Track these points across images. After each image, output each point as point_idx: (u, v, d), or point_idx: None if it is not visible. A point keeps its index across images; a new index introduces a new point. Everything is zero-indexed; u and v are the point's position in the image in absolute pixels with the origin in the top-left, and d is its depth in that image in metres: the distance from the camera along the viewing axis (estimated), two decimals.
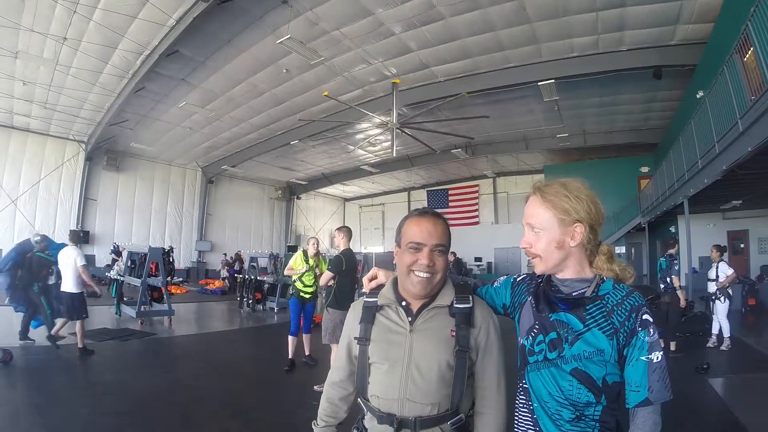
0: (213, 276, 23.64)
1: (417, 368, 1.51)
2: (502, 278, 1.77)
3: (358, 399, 1.66)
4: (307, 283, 6.91)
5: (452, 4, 11.37)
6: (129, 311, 10.61)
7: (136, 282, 10.78)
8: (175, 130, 19.45)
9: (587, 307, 1.43)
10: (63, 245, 7.58)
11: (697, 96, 11.70)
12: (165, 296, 10.78)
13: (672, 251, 8.24)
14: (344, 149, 23.40)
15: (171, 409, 4.96)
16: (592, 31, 12.42)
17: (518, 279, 1.70)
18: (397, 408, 1.51)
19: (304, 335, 6.89)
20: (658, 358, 1.36)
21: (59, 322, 7.37)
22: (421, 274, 1.52)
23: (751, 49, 7.25)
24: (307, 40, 12.28)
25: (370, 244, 35.42)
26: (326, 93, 13.91)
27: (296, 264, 6.90)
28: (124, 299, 11.50)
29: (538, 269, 1.52)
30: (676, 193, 12.80)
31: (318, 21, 11.87)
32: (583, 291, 1.46)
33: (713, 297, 8.24)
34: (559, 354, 1.43)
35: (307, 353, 6.92)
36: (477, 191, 30.80)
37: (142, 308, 10.34)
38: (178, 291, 16.73)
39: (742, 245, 17.35)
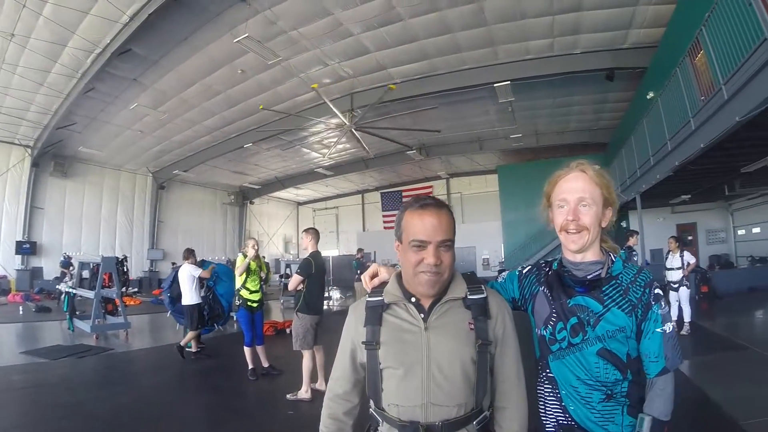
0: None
1: (438, 368, 1.40)
2: (504, 273, 1.78)
3: (371, 410, 1.52)
4: (253, 288, 6.68)
5: (412, 6, 11.45)
6: (83, 326, 10.04)
7: (89, 294, 10.18)
8: (125, 133, 18.66)
9: (603, 289, 1.49)
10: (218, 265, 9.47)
11: (648, 97, 12.21)
12: (120, 308, 10.31)
13: (630, 243, 8.63)
14: (298, 152, 23.23)
15: (140, 428, 4.68)
16: (548, 34, 12.75)
17: (524, 271, 1.72)
18: (421, 414, 1.39)
19: (257, 347, 6.64)
20: (670, 328, 1.47)
21: (189, 334, 8.07)
22: (428, 275, 1.41)
23: (702, 51, 7.64)
24: (264, 40, 12.09)
25: (324, 248, 35.03)
26: (261, 107, 13.71)
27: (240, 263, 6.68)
28: (77, 313, 10.87)
29: (578, 243, 1.51)
30: (628, 189, 13.29)
31: (276, 20, 11.68)
32: (597, 273, 1.52)
33: (677, 284, 8.63)
34: (583, 338, 1.47)
35: (265, 365, 6.69)
36: (431, 193, 30.65)
37: (96, 322, 9.83)
38: (132, 302, 15.97)
39: (690, 237, 18.28)
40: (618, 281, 1.49)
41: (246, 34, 11.26)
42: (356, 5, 11.32)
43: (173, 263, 23.88)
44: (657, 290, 1.49)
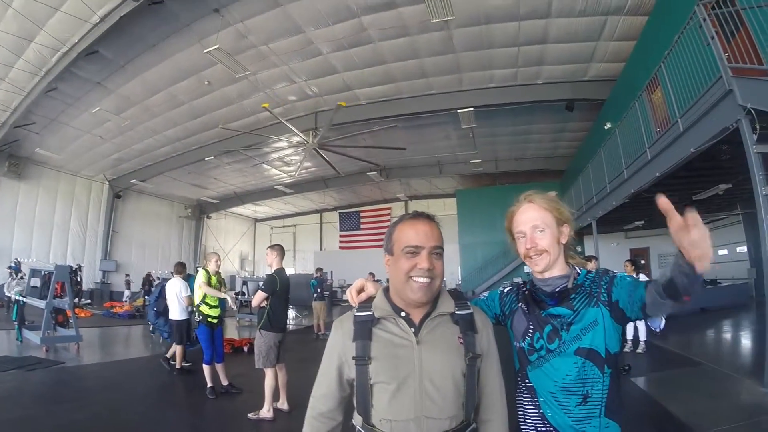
0: (117, 298, 22.19)
1: (431, 382, 1.41)
2: (485, 293, 1.90)
3: (359, 428, 1.49)
4: (212, 304, 6.55)
5: (383, 29, 11.67)
6: (32, 337, 9.57)
7: (40, 304, 9.72)
8: (84, 137, 17.91)
9: (571, 297, 1.62)
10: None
11: (606, 127, 12.75)
12: (72, 320, 9.86)
13: (589, 267, 8.87)
14: (258, 168, 23.05)
15: None
16: (513, 64, 13.24)
17: (505, 290, 1.84)
18: (414, 428, 1.39)
19: (217, 365, 6.48)
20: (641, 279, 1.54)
21: (177, 350, 7.94)
22: (421, 279, 1.44)
23: (659, 87, 8.15)
24: (234, 53, 12.05)
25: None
26: (265, 105, 13.64)
27: (204, 279, 6.52)
28: (26, 323, 10.35)
29: (541, 265, 1.64)
30: (584, 215, 13.77)
31: (247, 34, 11.69)
32: (564, 285, 1.65)
33: None
34: (559, 342, 1.57)
35: (225, 383, 6.53)
36: (389, 214, 31.05)
37: (47, 333, 9.38)
38: (83, 315, 15.24)
39: (643, 261, 18.86)
40: (583, 288, 1.62)
41: (216, 46, 11.19)
42: (328, 25, 11.48)
43: (127, 275, 23.18)
44: (615, 272, 1.66)
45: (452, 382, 1.44)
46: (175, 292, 7.82)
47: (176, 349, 7.87)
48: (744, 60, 5.64)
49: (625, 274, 1.63)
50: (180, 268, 8.21)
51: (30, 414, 5.28)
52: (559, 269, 1.67)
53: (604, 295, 1.57)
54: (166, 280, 11.72)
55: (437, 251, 1.48)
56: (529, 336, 1.64)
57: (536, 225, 1.64)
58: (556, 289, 1.64)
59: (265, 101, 15.28)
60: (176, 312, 7.80)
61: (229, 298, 6.94)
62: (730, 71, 5.70)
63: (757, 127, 5.37)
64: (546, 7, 10.82)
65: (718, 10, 5.93)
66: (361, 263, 20.87)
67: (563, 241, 1.68)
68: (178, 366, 7.76)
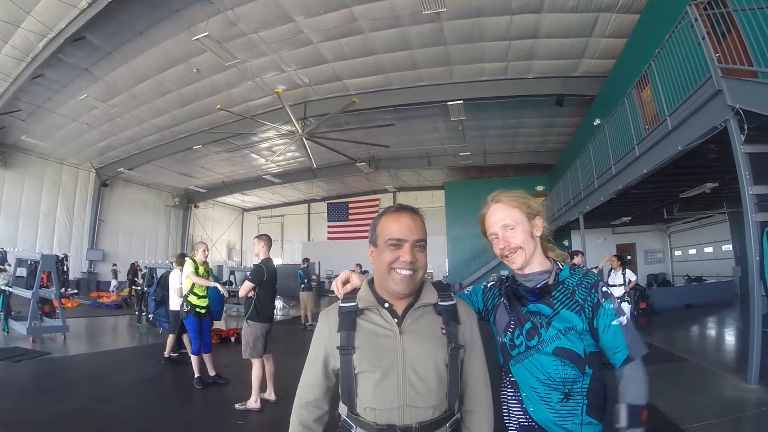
0: (104, 288, 22.04)
1: (414, 371, 1.43)
2: (469, 287, 1.91)
3: (344, 417, 1.51)
4: (201, 294, 6.54)
5: (374, 20, 11.63)
6: (18, 327, 9.42)
7: (26, 294, 9.59)
8: (71, 125, 17.61)
9: (552, 294, 1.61)
10: None
11: (595, 123, 12.83)
12: (59, 310, 9.75)
13: (575, 262, 8.96)
14: (247, 157, 22.95)
15: None
16: (503, 57, 13.27)
17: (489, 285, 1.85)
18: (397, 417, 1.41)
19: (204, 355, 6.47)
20: (625, 321, 1.56)
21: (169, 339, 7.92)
22: (404, 272, 1.46)
23: (648, 85, 8.19)
24: (224, 40, 11.93)
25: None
26: (218, 106, 13.53)
27: (192, 269, 6.44)
28: (12, 313, 10.23)
29: (518, 262, 1.65)
30: (572, 210, 13.91)
31: (237, 21, 11.59)
32: (545, 281, 1.65)
33: (618, 300, 9.03)
34: (538, 340, 1.58)
35: (212, 373, 6.51)
36: (377, 205, 31.00)
37: (33, 323, 9.26)
38: (69, 305, 15.04)
39: (629, 257, 19.08)
40: (565, 285, 1.61)
41: (206, 33, 11.06)
42: (319, 14, 11.41)
43: (114, 264, 22.99)
44: (604, 288, 1.60)
45: (435, 372, 1.45)
46: (174, 282, 7.81)
47: (168, 338, 7.85)
48: (734, 61, 5.68)
49: (612, 308, 1.56)
50: (181, 260, 8.10)
51: (16, 405, 5.23)
52: (538, 263, 1.68)
53: (588, 310, 1.56)
54: (154, 269, 11.65)
55: (420, 244, 1.49)
56: (510, 332, 1.65)
57: (506, 224, 1.66)
58: (538, 285, 1.65)
59: (253, 90, 15.30)
60: (175, 302, 7.71)
61: (219, 286, 6.92)
62: (720, 71, 5.73)
63: (745, 127, 5.40)
64: (538, 1, 10.86)
65: (710, 10, 5.95)
66: (349, 254, 20.91)
67: (537, 233, 1.68)
68: (166, 355, 7.74)
